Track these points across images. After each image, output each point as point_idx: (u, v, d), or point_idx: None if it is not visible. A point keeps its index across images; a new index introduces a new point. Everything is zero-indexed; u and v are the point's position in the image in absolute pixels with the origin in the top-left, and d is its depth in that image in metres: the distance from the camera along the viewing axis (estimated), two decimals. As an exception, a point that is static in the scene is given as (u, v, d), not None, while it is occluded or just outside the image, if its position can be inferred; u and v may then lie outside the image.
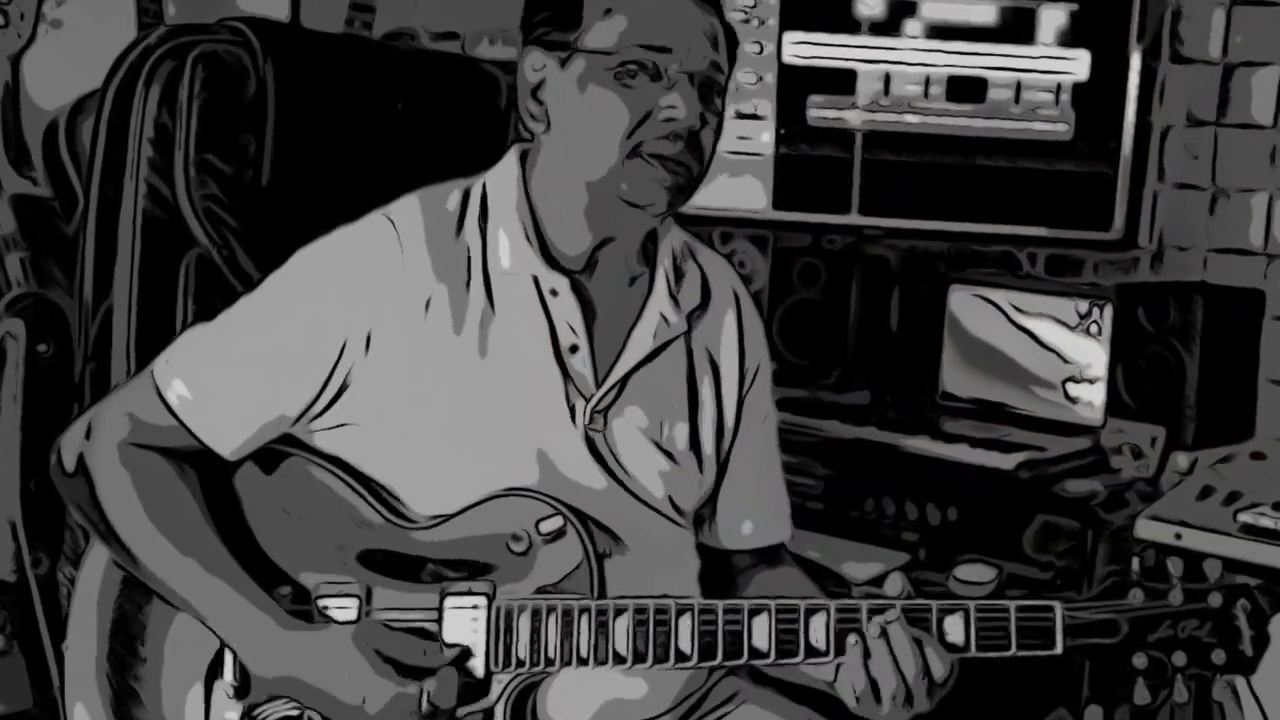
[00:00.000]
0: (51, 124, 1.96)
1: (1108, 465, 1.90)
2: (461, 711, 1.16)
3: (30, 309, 1.51)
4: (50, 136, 1.95)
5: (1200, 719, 1.63)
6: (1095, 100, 2.03)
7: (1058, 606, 1.15)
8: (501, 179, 1.26)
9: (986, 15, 2.04)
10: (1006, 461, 1.85)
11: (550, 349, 1.23)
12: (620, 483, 1.25)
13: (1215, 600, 1.15)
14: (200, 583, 1.18)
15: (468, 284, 1.22)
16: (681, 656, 1.16)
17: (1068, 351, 2.02)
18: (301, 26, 2.16)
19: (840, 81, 2.07)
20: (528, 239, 1.23)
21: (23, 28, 2.03)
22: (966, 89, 2.05)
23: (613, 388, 1.25)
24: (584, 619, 1.16)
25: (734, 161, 2.10)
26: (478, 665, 1.17)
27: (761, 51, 2.09)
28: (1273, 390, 2.03)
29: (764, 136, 2.11)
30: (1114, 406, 1.96)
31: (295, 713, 1.18)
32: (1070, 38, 2.02)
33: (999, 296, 2.07)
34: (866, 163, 2.08)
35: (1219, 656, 1.15)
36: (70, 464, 1.22)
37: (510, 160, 1.27)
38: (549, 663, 1.17)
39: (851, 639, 1.15)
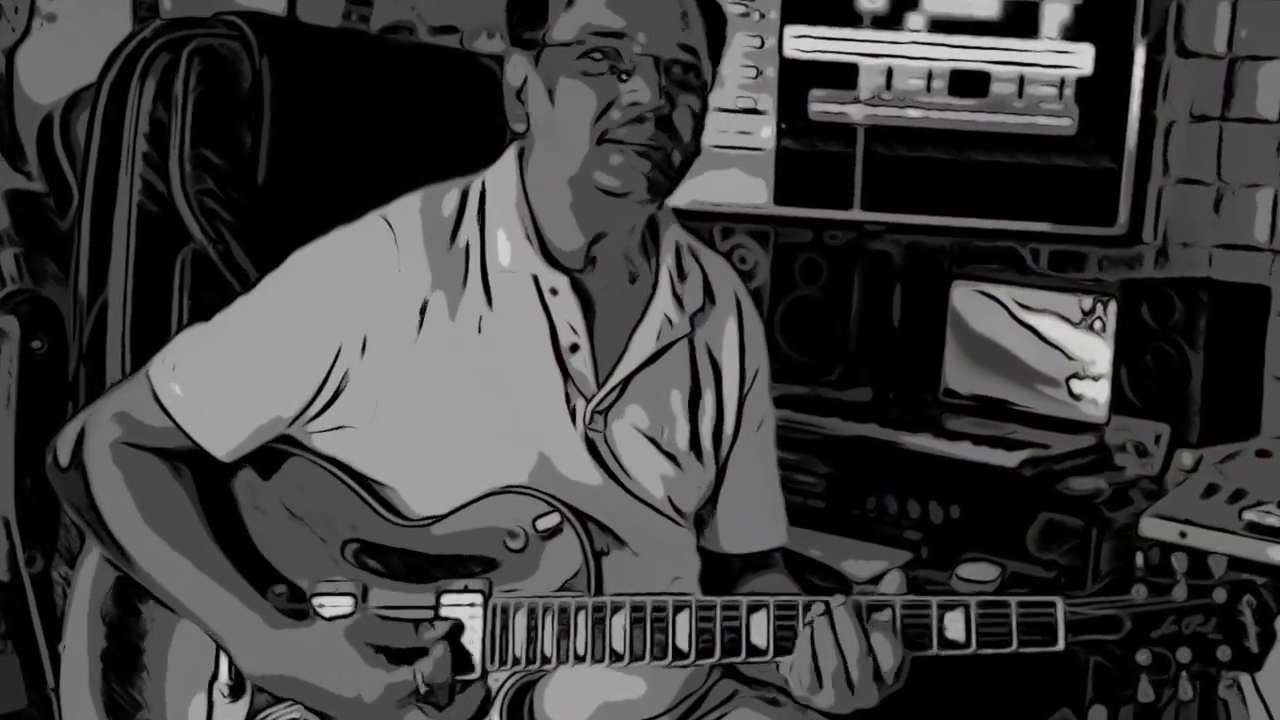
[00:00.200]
0: (46, 118, 1.96)
1: (1112, 463, 1.89)
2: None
3: (24, 305, 1.51)
4: (44, 131, 1.95)
5: (1205, 717, 1.63)
6: (1099, 94, 2.02)
7: (1059, 602, 1.14)
8: (500, 177, 1.26)
9: (989, 8, 2.03)
10: (1009, 459, 1.84)
11: (550, 348, 1.23)
12: (619, 483, 1.24)
13: (1220, 596, 1.14)
14: (192, 581, 1.18)
15: (466, 284, 1.22)
16: (679, 654, 1.15)
17: (1071, 348, 2.01)
18: (298, 20, 2.16)
19: (842, 75, 2.07)
20: (527, 237, 1.23)
21: (17, 21, 2.03)
22: (969, 83, 2.05)
23: (614, 388, 1.25)
24: (581, 616, 1.15)
25: (735, 156, 2.10)
26: (473, 640, 1.16)
27: (762, 45, 2.08)
28: (1278, 387, 2.02)
29: (765, 131, 2.10)
30: (1118, 404, 1.95)
31: (299, 715, 1.17)
32: (1074, 31, 2.02)
33: (1002, 293, 2.07)
34: (868, 157, 2.08)
35: (1224, 653, 1.14)
36: (65, 462, 1.22)
37: (509, 158, 1.27)
38: (545, 661, 1.16)
39: (805, 619, 1.14)
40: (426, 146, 1.55)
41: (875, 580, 1.77)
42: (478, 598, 1.17)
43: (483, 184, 1.26)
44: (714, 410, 1.32)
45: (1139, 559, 1.15)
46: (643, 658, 1.15)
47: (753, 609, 1.15)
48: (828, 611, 1.13)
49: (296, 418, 1.22)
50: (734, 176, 2.10)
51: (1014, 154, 2.04)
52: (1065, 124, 2.04)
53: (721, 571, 1.37)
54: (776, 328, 2.15)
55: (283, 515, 1.23)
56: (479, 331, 1.22)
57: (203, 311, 1.27)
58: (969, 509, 1.86)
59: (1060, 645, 1.14)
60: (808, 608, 1.15)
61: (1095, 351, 1.99)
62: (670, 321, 1.28)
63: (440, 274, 1.21)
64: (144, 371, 1.24)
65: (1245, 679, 1.25)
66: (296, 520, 1.22)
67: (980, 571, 1.77)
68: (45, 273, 1.78)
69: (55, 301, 1.52)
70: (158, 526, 1.19)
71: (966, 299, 2.10)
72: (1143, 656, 1.14)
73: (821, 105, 2.08)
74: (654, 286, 1.28)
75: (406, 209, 1.23)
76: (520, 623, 1.16)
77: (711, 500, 1.35)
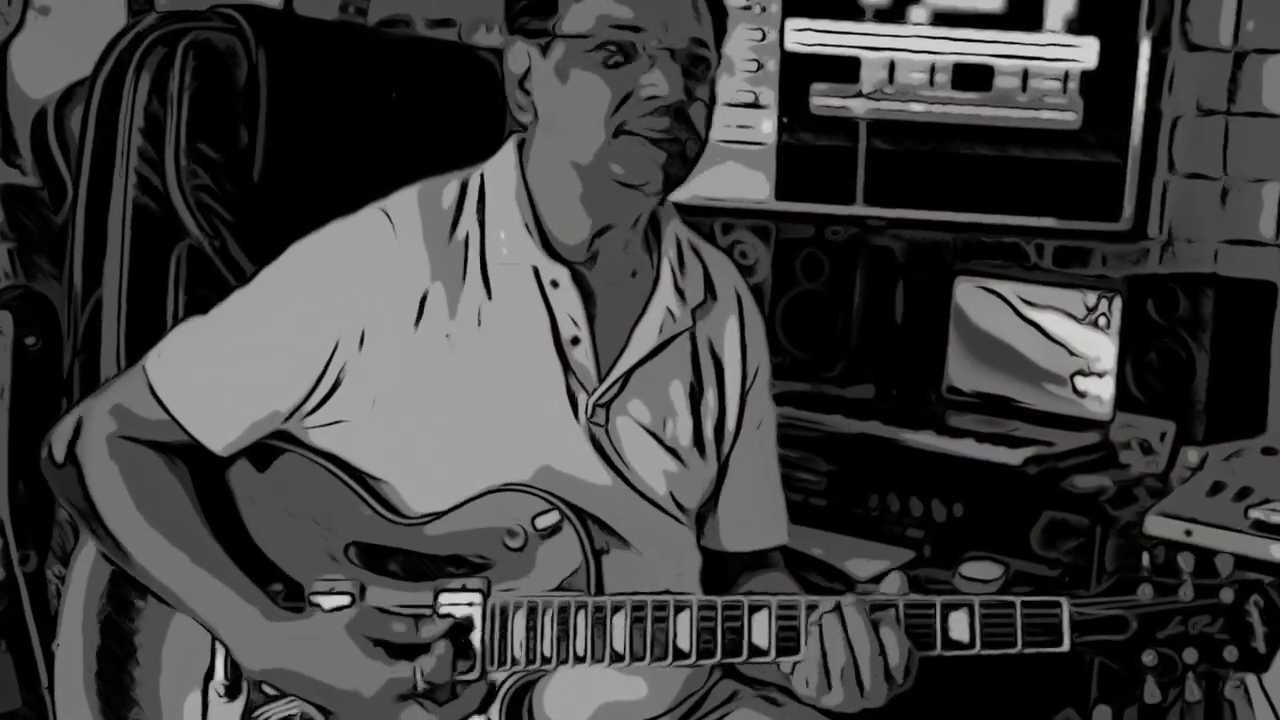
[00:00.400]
0: (40, 113, 1.97)
1: (1116, 461, 1.89)
2: (461, 688, 1.15)
3: (18, 301, 1.51)
4: (39, 125, 1.96)
5: (1211, 718, 1.62)
6: (1104, 88, 2.02)
7: (1064, 603, 1.14)
8: (500, 170, 1.26)
9: (993, 1, 2.03)
10: (1013, 457, 1.83)
11: (551, 341, 1.23)
12: (623, 478, 1.24)
13: (1227, 596, 1.13)
14: (188, 575, 1.17)
15: (465, 277, 1.22)
16: (680, 654, 1.14)
17: (1076, 345, 2.00)
18: (295, 13, 2.17)
19: (844, 69, 2.06)
20: (528, 229, 1.23)
21: (10, 14, 2.04)
22: (972, 77, 2.04)
23: (616, 381, 1.24)
24: (581, 616, 1.15)
25: (736, 151, 2.09)
26: (475, 638, 1.16)
27: (764, 38, 2.08)
28: (1285, 384, 2.02)
29: (766, 125, 2.10)
30: (1123, 401, 1.94)
31: (295, 712, 1.17)
32: (1078, 24, 2.01)
33: (1006, 288, 2.06)
34: (871, 152, 2.07)
35: (1231, 654, 1.14)
36: (61, 456, 1.22)
37: (508, 150, 1.27)
38: (545, 661, 1.16)
39: (812, 618, 1.13)
40: (424, 140, 1.55)
41: (877, 580, 1.76)
42: (476, 596, 1.16)
43: (481, 176, 1.26)
44: (716, 406, 1.32)
45: (1145, 559, 1.15)
46: (643, 658, 1.15)
47: (755, 609, 1.14)
48: (838, 609, 1.13)
49: (294, 412, 1.21)
50: (735, 171, 2.10)
51: (1018, 148, 2.04)
52: (1070, 118, 2.03)
53: (721, 570, 1.36)
54: (778, 324, 2.15)
55: (279, 511, 1.22)
56: (479, 324, 1.21)
57: (198, 307, 1.27)
58: (972, 507, 1.85)
59: (1066, 646, 1.13)
60: (810, 608, 1.14)
61: (1100, 348, 1.98)
62: (672, 315, 1.28)
63: (439, 266, 1.21)
64: (140, 365, 1.24)
65: (1252, 680, 1.24)
66: (293, 516, 1.22)
67: (983, 570, 1.77)
68: (39, 268, 1.79)
69: (49, 297, 1.52)
70: (154, 520, 1.18)
71: (970, 295, 2.09)
72: (1149, 657, 1.13)
73: (823, 99, 2.08)
74: (655, 280, 1.28)
75: (405, 201, 1.23)
76: (520, 622, 1.16)
77: (713, 498, 1.35)
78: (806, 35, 2.08)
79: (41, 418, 1.33)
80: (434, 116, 1.58)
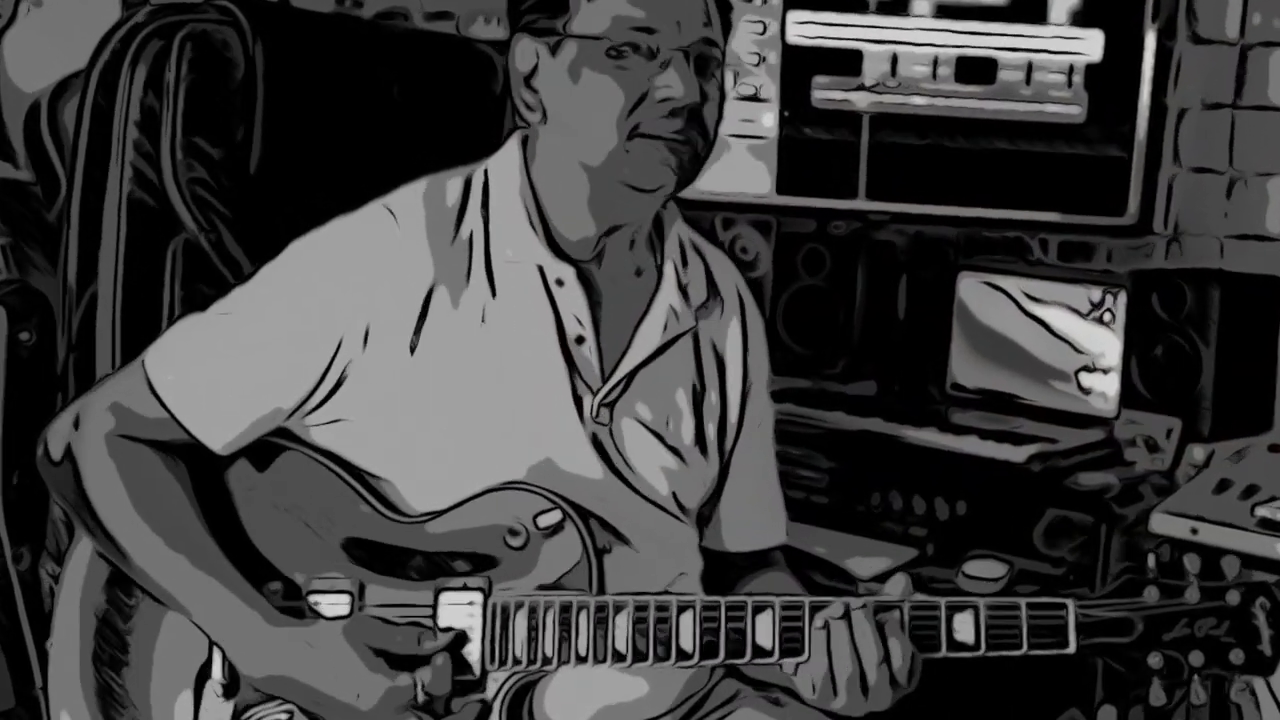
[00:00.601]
0: (33, 106, 1.98)
1: (1121, 458, 1.89)
2: (457, 703, 1.15)
3: (12, 296, 1.51)
4: (32, 119, 1.97)
5: (1217, 721, 1.62)
6: (1109, 82, 2.01)
7: (1070, 604, 1.14)
8: (504, 166, 1.26)
9: (996, -7, 2.03)
10: (1017, 454, 1.83)
11: (556, 340, 1.23)
12: (624, 478, 1.24)
13: (1233, 598, 1.13)
14: (187, 578, 1.17)
15: (470, 274, 1.21)
16: (683, 655, 1.14)
17: (1080, 341, 2.00)
18: (291, 6, 2.15)
19: (846, 62, 2.06)
20: (532, 227, 1.23)
21: (3, 6, 2.04)
22: (976, 70, 2.04)
23: (620, 382, 1.24)
24: (583, 616, 1.15)
25: (737, 144, 2.09)
26: (473, 651, 1.16)
27: (765, 31, 2.07)
28: (1291, 381, 2.01)
29: (767, 119, 2.09)
30: (1128, 397, 1.94)
31: (286, 714, 1.17)
32: (1083, 17, 2.01)
33: (1009, 284, 2.06)
34: (873, 146, 2.07)
35: (1237, 656, 1.13)
36: (57, 454, 1.21)
37: (512, 147, 1.26)
38: (546, 661, 1.16)
39: (818, 622, 1.13)
40: (421, 134, 1.55)
41: (879, 579, 1.76)
42: (477, 596, 1.16)
43: (485, 173, 1.26)
44: (718, 406, 1.31)
45: (1150, 560, 1.15)
46: (645, 658, 1.14)
47: (758, 609, 1.14)
48: (846, 615, 1.12)
49: (296, 410, 1.21)
50: (736, 165, 2.09)
51: (1022, 142, 2.04)
52: (1074, 112, 2.03)
53: (722, 570, 1.36)
54: (779, 319, 2.15)
55: (278, 510, 1.22)
56: (483, 322, 1.21)
57: (194, 302, 1.28)
58: (975, 505, 1.86)
59: (1071, 648, 1.13)
60: (814, 608, 1.14)
61: (1105, 344, 1.98)
62: (676, 315, 1.27)
63: (444, 264, 1.21)
64: (139, 361, 1.23)
65: (1258, 683, 1.24)
66: (292, 515, 1.21)
67: (987, 569, 1.77)
68: (33, 263, 1.79)
69: (44, 292, 1.52)
70: (153, 521, 1.18)
71: (973, 290, 2.09)
72: (1155, 660, 1.13)
73: (825, 92, 2.07)
74: (659, 280, 1.28)
75: (409, 198, 1.23)
76: (521, 622, 1.15)
77: (714, 498, 1.35)
78: (808, 28, 2.07)
79: (35, 414, 1.33)
80: (432, 110, 1.57)
